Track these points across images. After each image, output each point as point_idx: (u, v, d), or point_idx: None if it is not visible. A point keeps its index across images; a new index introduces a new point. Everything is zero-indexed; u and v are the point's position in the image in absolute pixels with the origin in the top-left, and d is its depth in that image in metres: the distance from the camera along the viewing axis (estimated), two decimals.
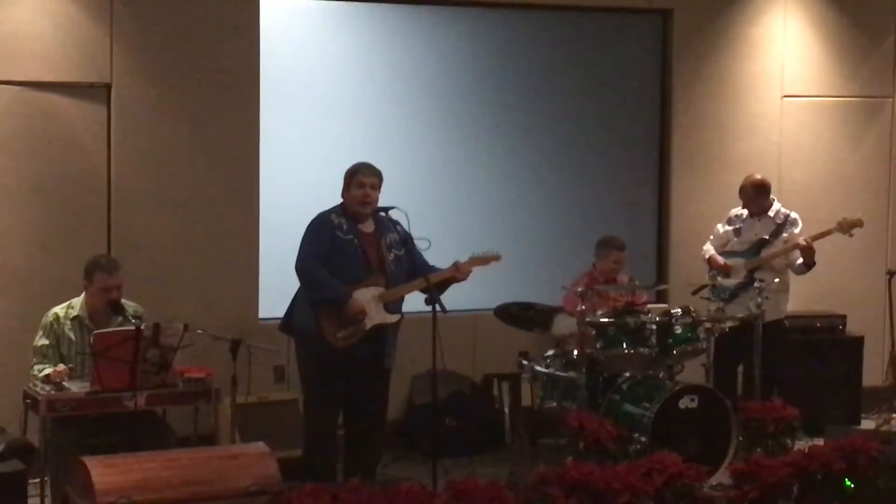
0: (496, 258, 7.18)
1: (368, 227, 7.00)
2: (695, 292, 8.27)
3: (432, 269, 7.05)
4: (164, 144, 7.88)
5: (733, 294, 8.14)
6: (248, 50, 8.03)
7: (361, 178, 6.95)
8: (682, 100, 9.18)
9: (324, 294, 6.83)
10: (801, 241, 8.17)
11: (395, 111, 8.60)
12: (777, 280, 8.11)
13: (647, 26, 9.24)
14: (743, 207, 8.40)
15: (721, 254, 8.38)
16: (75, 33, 7.65)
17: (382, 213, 7.03)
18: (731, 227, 8.42)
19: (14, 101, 7.58)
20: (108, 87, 7.77)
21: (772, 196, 8.39)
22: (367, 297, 6.86)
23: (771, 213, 8.33)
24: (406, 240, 7.04)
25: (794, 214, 8.35)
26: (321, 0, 8.38)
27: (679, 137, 9.20)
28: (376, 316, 6.88)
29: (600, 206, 9.10)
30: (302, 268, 6.89)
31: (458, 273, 7.01)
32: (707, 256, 8.43)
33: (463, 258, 7.09)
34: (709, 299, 8.08)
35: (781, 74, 9.40)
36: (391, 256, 6.97)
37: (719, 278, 8.15)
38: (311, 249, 6.89)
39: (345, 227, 6.92)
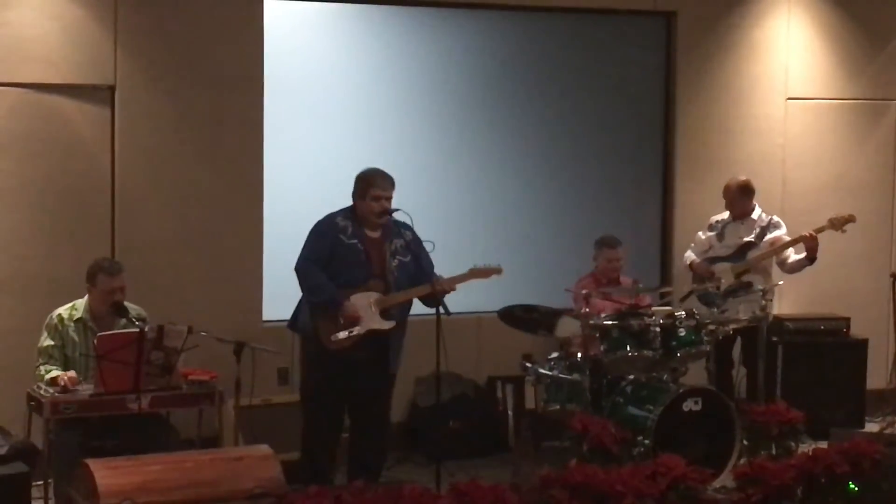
0: (497, 271, 7.15)
1: (375, 232, 6.98)
2: (682, 299, 8.30)
3: (435, 277, 6.99)
4: (168, 147, 7.88)
5: (722, 299, 8.11)
6: (251, 52, 8.03)
7: (378, 192, 6.90)
8: (686, 102, 9.17)
9: (317, 297, 6.84)
10: (808, 233, 8.16)
11: (399, 114, 8.59)
12: (781, 282, 8.12)
13: (650, 28, 9.24)
14: (726, 208, 8.42)
15: (706, 259, 8.39)
16: (79, 36, 7.66)
17: (387, 217, 7.01)
18: (712, 233, 8.45)
19: (18, 103, 7.58)
20: (112, 89, 7.77)
21: (754, 202, 8.41)
22: (363, 301, 6.85)
23: (754, 217, 8.37)
24: (413, 246, 7.01)
25: (776, 218, 8.41)
26: (325, 2, 8.39)
27: (683, 139, 9.19)
28: (371, 321, 6.87)
29: (604, 208, 9.09)
30: (299, 269, 6.91)
31: (438, 288, 6.86)
32: (688, 263, 8.45)
33: (466, 261, 7.11)
34: (710, 304, 8.03)
35: (786, 76, 9.40)
36: (395, 263, 6.96)
37: (709, 287, 8.12)
38: (311, 252, 6.89)
39: (350, 230, 6.90)
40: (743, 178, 8.46)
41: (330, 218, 6.97)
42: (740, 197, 8.37)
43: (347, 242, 6.88)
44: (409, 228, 7.01)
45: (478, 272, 7.09)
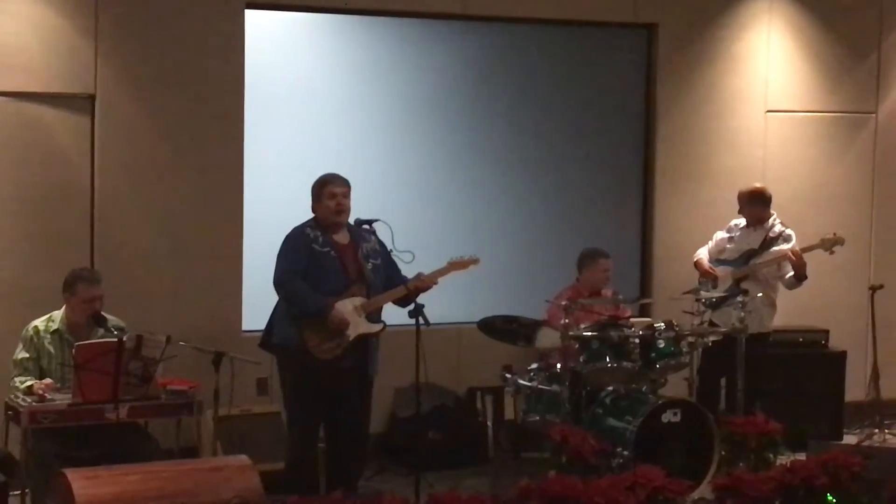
0: (474, 262, 7.16)
1: (344, 238, 6.99)
2: (683, 294, 8.29)
3: (406, 279, 7.04)
4: (149, 156, 7.87)
5: (717, 302, 8.12)
6: (233, 62, 8.02)
7: (332, 189, 6.94)
8: (667, 114, 9.20)
9: (305, 307, 6.81)
10: (791, 251, 8.15)
11: (380, 124, 8.60)
12: (760, 294, 8.11)
13: (632, 40, 9.26)
14: (738, 212, 8.43)
15: (715, 260, 8.40)
16: (60, 44, 7.64)
17: (366, 227, 7.03)
18: (727, 235, 8.45)
19: None
20: (92, 98, 7.76)
21: (772, 211, 8.39)
22: (348, 307, 6.84)
23: (767, 226, 8.35)
24: (380, 248, 7.05)
25: (789, 231, 8.32)
26: (306, 13, 8.39)
27: (663, 151, 9.21)
28: (359, 326, 6.87)
29: (584, 219, 9.11)
30: (281, 282, 6.88)
31: (421, 284, 6.97)
32: (695, 260, 8.45)
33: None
34: (695, 308, 8.01)
35: (765, 89, 9.43)
36: (369, 266, 6.97)
37: (702, 292, 8.12)
38: (289, 264, 6.87)
39: (321, 239, 6.91)
40: (757, 185, 8.46)
41: (299, 229, 6.97)
42: (749, 203, 8.34)
43: (320, 251, 6.88)
44: (374, 233, 7.03)
45: (456, 264, 7.10)
